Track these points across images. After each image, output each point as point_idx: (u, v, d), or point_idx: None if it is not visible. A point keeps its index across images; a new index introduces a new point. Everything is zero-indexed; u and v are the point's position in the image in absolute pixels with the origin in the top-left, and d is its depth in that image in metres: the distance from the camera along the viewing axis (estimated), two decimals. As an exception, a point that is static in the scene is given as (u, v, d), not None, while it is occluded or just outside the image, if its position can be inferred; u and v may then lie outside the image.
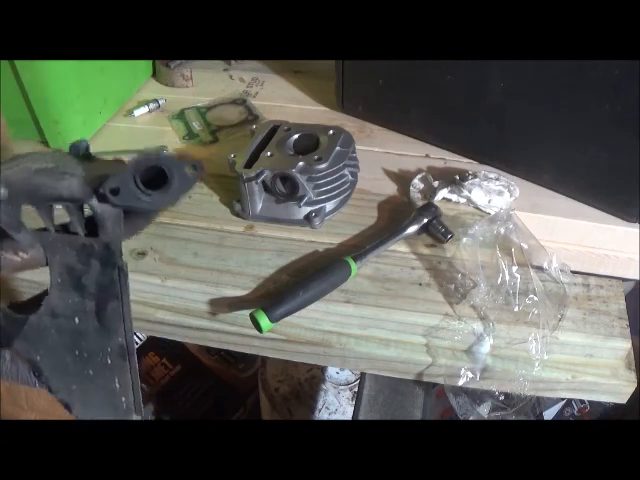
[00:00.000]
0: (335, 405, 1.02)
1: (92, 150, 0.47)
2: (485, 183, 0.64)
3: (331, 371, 1.05)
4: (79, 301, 0.46)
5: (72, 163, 0.45)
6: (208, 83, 0.91)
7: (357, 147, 0.68)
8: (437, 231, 0.61)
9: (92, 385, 0.49)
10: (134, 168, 0.43)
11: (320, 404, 1.02)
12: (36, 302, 0.48)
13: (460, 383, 0.54)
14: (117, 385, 0.48)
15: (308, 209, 0.64)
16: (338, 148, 0.64)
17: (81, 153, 0.46)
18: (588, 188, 0.63)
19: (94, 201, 0.44)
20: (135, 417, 0.48)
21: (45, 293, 0.47)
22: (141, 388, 1.18)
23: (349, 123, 0.79)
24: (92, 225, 0.45)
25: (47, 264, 0.47)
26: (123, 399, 0.48)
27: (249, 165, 0.63)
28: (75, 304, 0.47)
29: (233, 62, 0.95)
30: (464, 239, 0.57)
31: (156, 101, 0.85)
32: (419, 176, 0.67)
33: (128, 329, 0.46)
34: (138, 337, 1.24)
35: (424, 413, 0.61)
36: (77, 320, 0.47)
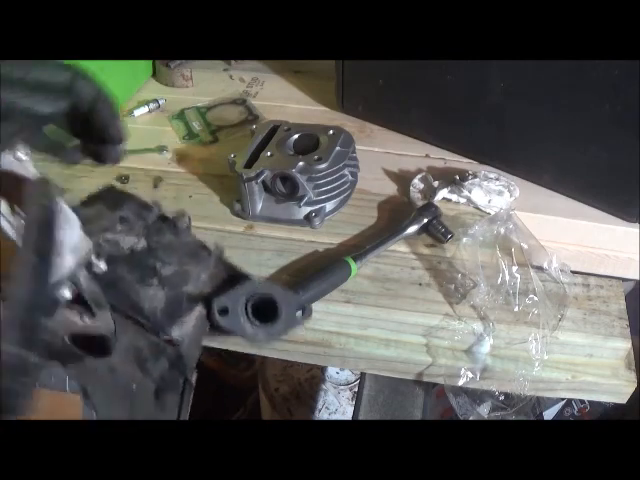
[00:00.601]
0: (335, 405, 1.02)
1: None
2: (485, 183, 0.64)
3: (331, 371, 1.05)
4: (140, 377, 0.45)
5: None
6: (208, 83, 0.91)
7: (357, 147, 0.68)
8: (437, 231, 0.61)
9: None
10: (247, 293, 0.43)
11: (320, 404, 1.02)
12: (97, 346, 0.47)
13: (460, 383, 0.54)
14: None
15: (308, 209, 0.64)
16: (338, 148, 0.64)
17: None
18: (588, 188, 0.63)
19: (173, 332, 0.42)
20: None
21: (107, 341, 0.46)
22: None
23: (349, 123, 0.79)
24: None
25: (114, 334, 0.45)
26: None
27: (249, 165, 0.63)
28: (135, 376, 0.46)
29: (233, 62, 0.95)
30: (464, 239, 0.57)
31: (156, 101, 0.85)
32: (419, 176, 0.67)
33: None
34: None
35: (424, 413, 0.61)
36: (134, 387, 0.46)
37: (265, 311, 0.43)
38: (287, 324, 0.43)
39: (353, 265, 0.57)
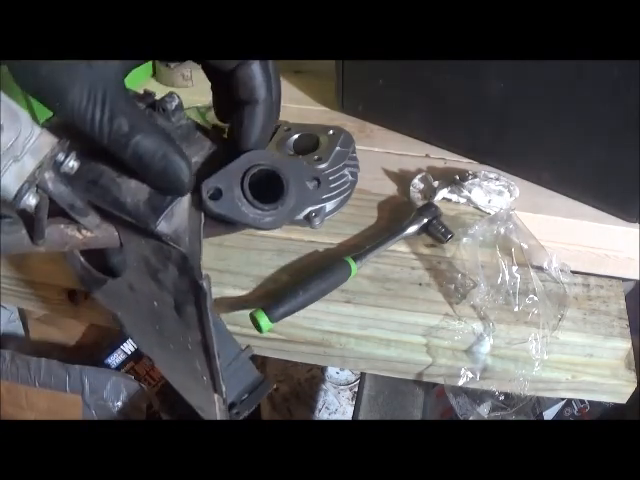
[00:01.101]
0: (335, 405, 1.02)
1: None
2: (485, 183, 0.64)
3: (331, 371, 1.05)
4: (157, 291, 0.40)
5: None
6: (208, 83, 0.91)
7: (357, 147, 0.68)
8: (437, 231, 0.61)
9: (173, 356, 0.44)
10: (242, 168, 0.35)
11: (320, 404, 1.02)
12: (113, 270, 0.43)
13: (460, 383, 0.54)
14: (198, 366, 0.42)
15: (308, 209, 0.64)
16: (338, 148, 0.64)
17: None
18: (588, 188, 0.63)
19: (157, 225, 0.36)
20: (217, 397, 0.43)
21: (118, 265, 0.42)
22: (141, 388, 1.17)
23: (349, 123, 0.78)
24: None
25: (120, 245, 0.40)
26: (204, 378, 0.43)
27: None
28: (153, 291, 0.41)
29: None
30: (464, 239, 0.57)
31: (156, 101, 0.85)
32: (419, 176, 0.67)
33: (209, 336, 0.40)
34: (138, 337, 1.24)
35: (424, 413, 0.61)
36: (156, 304, 0.41)
37: (269, 188, 0.36)
38: (298, 199, 0.36)
39: (353, 265, 0.57)
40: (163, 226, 0.36)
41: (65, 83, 0.33)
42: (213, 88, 0.42)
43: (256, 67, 0.38)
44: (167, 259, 0.38)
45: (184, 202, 0.37)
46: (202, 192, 0.35)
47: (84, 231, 0.38)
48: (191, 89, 0.90)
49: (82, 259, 0.45)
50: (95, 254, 0.44)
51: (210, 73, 0.41)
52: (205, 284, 0.37)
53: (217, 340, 0.40)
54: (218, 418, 0.46)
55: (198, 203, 0.36)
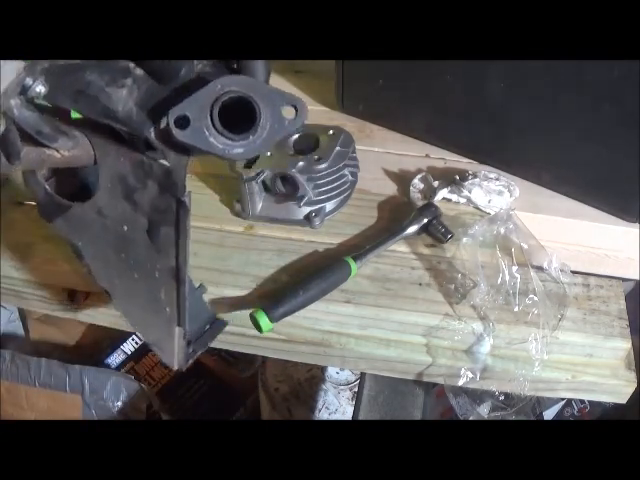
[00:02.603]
0: (335, 405, 1.02)
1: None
2: (485, 183, 0.64)
3: (331, 371, 1.05)
4: (130, 212, 0.39)
5: (138, 76, 0.35)
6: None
7: (357, 147, 0.68)
8: (437, 231, 0.61)
9: (136, 286, 0.43)
10: (213, 96, 0.34)
11: (320, 404, 1.02)
12: (83, 194, 0.42)
13: (460, 383, 0.54)
14: (162, 295, 0.41)
15: (308, 209, 0.64)
16: (338, 148, 0.64)
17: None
18: (588, 188, 0.63)
19: (152, 132, 0.35)
20: (178, 330, 0.42)
21: (91, 187, 0.41)
22: (141, 388, 1.17)
23: (349, 123, 0.78)
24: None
25: (95, 163, 0.39)
26: (167, 309, 0.42)
27: (249, 165, 0.63)
28: (125, 213, 0.40)
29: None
30: (464, 239, 0.57)
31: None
32: (419, 176, 0.67)
33: (182, 260, 0.39)
34: (138, 337, 1.24)
35: (424, 413, 0.61)
36: (126, 228, 0.41)
37: (239, 116, 0.34)
38: (271, 130, 0.35)
39: (353, 265, 0.57)
40: (153, 135, 0.36)
41: None
42: None
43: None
44: (147, 176, 0.37)
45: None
46: (169, 119, 0.34)
47: (62, 151, 0.38)
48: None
49: (46, 185, 0.43)
50: (62, 180, 0.43)
51: None
52: (187, 200, 0.37)
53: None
54: (176, 354, 0.45)
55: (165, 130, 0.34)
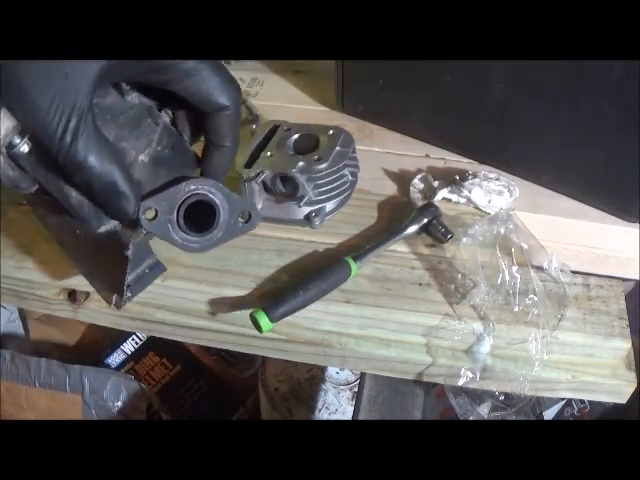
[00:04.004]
0: (335, 405, 1.02)
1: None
2: (485, 183, 0.64)
3: (331, 371, 1.05)
4: (79, 230, 0.43)
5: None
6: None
7: (357, 147, 0.68)
8: (437, 231, 0.61)
9: (80, 244, 0.47)
10: (182, 196, 0.38)
11: (320, 404, 1.02)
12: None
13: (460, 383, 0.54)
14: (104, 258, 0.46)
15: (308, 209, 0.64)
16: (338, 148, 0.64)
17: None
18: (588, 188, 0.63)
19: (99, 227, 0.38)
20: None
21: None
22: (141, 388, 1.17)
23: (349, 123, 0.78)
24: None
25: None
26: (107, 282, 0.46)
27: (249, 165, 0.63)
28: (77, 225, 0.43)
29: (233, 62, 0.94)
30: (464, 239, 0.57)
31: (156, 101, 0.84)
32: (419, 176, 0.67)
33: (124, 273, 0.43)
34: (138, 337, 1.24)
35: (424, 413, 0.61)
36: (77, 232, 0.44)
37: (203, 215, 0.39)
38: (226, 232, 0.39)
39: (353, 265, 0.57)
40: (103, 228, 0.39)
41: (37, 89, 0.33)
42: (174, 113, 0.44)
43: (230, 120, 0.42)
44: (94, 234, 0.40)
45: None
46: (139, 210, 0.37)
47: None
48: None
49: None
50: None
51: (183, 104, 0.43)
52: (130, 255, 0.40)
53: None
54: (112, 304, 0.47)
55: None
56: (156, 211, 0.38)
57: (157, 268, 0.50)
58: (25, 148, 0.36)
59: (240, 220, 0.40)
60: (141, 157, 0.40)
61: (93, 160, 0.34)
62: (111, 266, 0.44)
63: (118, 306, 0.48)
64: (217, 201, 0.39)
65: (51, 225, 0.51)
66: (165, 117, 0.42)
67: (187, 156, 0.43)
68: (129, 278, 0.46)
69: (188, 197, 0.38)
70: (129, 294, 0.48)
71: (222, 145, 0.43)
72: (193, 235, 0.39)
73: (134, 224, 0.39)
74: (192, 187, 0.38)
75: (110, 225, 0.40)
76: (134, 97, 0.41)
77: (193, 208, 0.39)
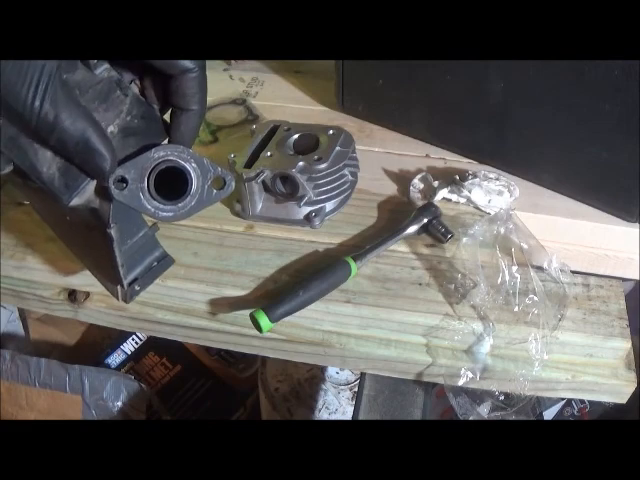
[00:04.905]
0: (335, 405, 1.02)
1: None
2: (485, 183, 0.64)
3: (331, 371, 1.05)
4: (68, 210, 0.41)
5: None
6: (208, 83, 0.91)
7: (357, 147, 0.68)
8: (437, 231, 0.61)
9: (81, 239, 0.47)
10: (152, 163, 0.37)
11: (320, 404, 1.02)
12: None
13: (460, 383, 0.54)
14: (104, 262, 0.45)
15: (308, 209, 0.64)
16: (338, 148, 0.64)
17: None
18: (588, 188, 0.63)
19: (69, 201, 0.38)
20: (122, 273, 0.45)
21: None
22: (141, 388, 1.17)
23: (349, 123, 0.79)
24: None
25: None
26: (110, 260, 0.45)
27: (249, 165, 0.63)
28: (66, 212, 0.42)
29: (233, 62, 0.95)
30: (464, 239, 0.57)
31: (156, 101, 0.85)
32: (419, 176, 0.67)
33: (115, 262, 0.43)
34: (138, 337, 1.24)
35: (424, 413, 0.61)
36: (68, 218, 0.44)
37: (171, 181, 0.38)
38: (199, 200, 0.38)
39: (353, 265, 0.57)
40: (75, 201, 0.38)
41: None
42: (142, 82, 0.43)
43: (196, 82, 0.41)
44: (74, 211, 0.40)
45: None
46: (109, 179, 0.36)
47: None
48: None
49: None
50: None
51: (149, 71, 0.42)
52: (112, 232, 0.40)
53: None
54: (120, 298, 0.48)
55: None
56: (126, 179, 0.37)
57: (165, 261, 0.50)
58: None
59: (213, 187, 0.39)
60: (110, 128, 0.39)
61: (65, 119, 0.34)
62: (104, 252, 0.43)
63: (125, 300, 0.47)
64: (188, 167, 0.38)
65: (52, 227, 0.51)
66: (134, 88, 0.41)
67: (157, 125, 0.42)
68: (136, 272, 0.46)
69: (158, 164, 0.37)
70: (137, 288, 0.47)
71: (188, 109, 0.41)
72: (166, 203, 0.38)
73: (108, 196, 0.38)
74: (162, 153, 0.37)
75: (82, 199, 0.38)
76: (103, 71, 0.40)
77: (164, 177, 0.38)
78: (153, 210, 0.38)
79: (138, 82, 0.42)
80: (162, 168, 0.37)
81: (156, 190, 0.38)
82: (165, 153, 0.38)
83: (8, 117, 0.35)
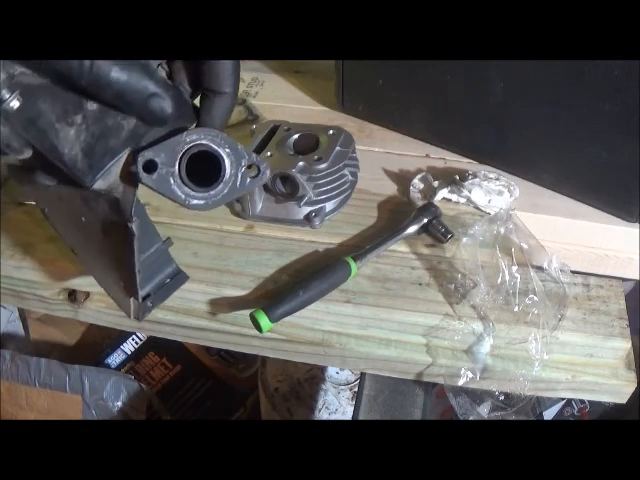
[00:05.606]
0: (335, 405, 1.02)
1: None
2: (485, 183, 0.64)
3: (331, 371, 1.05)
4: (86, 211, 0.40)
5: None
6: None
7: (357, 147, 0.68)
8: (437, 231, 0.61)
9: (95, 257, 0.45)
10: (184, 146, 0.35)
11: (320, 404, 1.02)
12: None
13: (460, 383, 0.54)
14: (117, 275, 0.44)
15: (308, 209, 0.64)
16: (338, 148, 0.64)
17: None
18: (588, 188, 0.63)
19: (93, 183, 0.35)
20: (133, 302, 0.44)
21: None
22: (141, 388, 1.17)
23: (349, 123, 0.78)
24: None
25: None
26: (122, 283, 0.44)
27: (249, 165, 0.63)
28: (81, 210, 0.40)
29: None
30: (464, 239, 0.57)
31: (156, 101, 0.84)
32: (419, 176, 0.67)
33: (132, 265, 0.40)
34: (138, 337, 1.24)
35: (424, 413, 0.61)
36: (83, 219, 0.42)
37: (205, 171, 0.36)
38: (232, 187, 0.36)
39: (353, 265, 0.57)
40: (99, 183, 0.36)
41: None
42: (170, 66, 0.42)
43: (229, 63, 0.39)
44: (98, 195, 0.38)
45: (122, 159, 0.36)
46: (137, 162, 0.34)
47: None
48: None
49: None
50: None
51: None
52: (134, 227, 0.37)
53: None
54: (132, 316, 0.46)
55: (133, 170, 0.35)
56: (155, 163, 0.34)
57: (178, 277, 0.48)
58: (15, 104, 0.34)
59: (248, 175, 0.36)
60: None
61: (118, 71, 0.34)
62: (120, 258, 0.42)
63: (138, 317, 0.46)
64: (222, 153, 0.36)
65: (67, 237, 0.48)
66: (162, 72, 0.40)
67: (186, 109, 0.40)
68: (149, 288, 0.44)
69: (190, 148, 0.35)
70: (149, 304, 0.46)
71: (222, 92, 0.40)
72: (198, 190, 0.35)
73: (134, 181, 0.36)
74: (194, 137, 0.35)
75: (106, 183, 0.36)
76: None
77: (195, 163, 0.35)
78: (184, 197, 0.35)
79: (165, 65, 0.41)
80: (194, 152, 0.35)
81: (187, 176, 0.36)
82: (198, 137, 0.36)
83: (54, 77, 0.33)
